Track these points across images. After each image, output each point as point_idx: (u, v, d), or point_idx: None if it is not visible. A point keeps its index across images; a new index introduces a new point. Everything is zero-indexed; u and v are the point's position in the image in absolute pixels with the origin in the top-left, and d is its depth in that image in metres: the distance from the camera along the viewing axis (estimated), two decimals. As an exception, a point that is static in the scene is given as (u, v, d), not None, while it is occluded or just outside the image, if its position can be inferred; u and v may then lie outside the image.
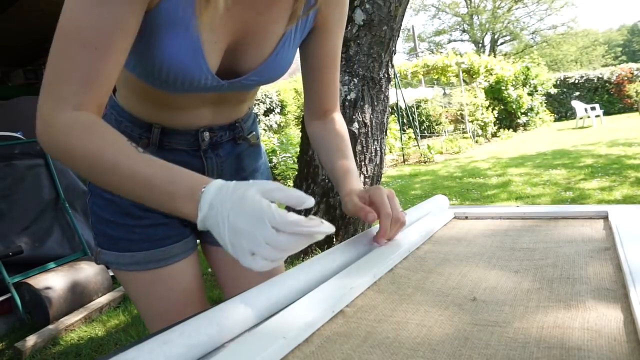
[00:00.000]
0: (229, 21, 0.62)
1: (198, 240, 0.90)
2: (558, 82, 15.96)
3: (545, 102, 14.18)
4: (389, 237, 0.69)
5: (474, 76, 11.24)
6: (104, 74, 0.54)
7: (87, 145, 0.52)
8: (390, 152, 8.34)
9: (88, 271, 2.51)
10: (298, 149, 2.14)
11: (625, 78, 15.19)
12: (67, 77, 0.53)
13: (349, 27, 2.19)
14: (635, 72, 15.16)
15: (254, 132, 0.90)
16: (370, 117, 1.94)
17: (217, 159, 0.83)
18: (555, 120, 15.48)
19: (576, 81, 16.10)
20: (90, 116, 0.54)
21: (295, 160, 2.16)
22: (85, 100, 0.53)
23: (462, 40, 32.37)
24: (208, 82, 0.65)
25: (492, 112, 10.89)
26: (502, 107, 11.57)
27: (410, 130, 9.23)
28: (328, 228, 0.50)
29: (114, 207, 0.77)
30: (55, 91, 0.53)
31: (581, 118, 11.55)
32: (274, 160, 6.39)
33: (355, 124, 1.93)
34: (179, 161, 0.76)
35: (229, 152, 0.85)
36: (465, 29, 31.18)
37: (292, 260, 2.41)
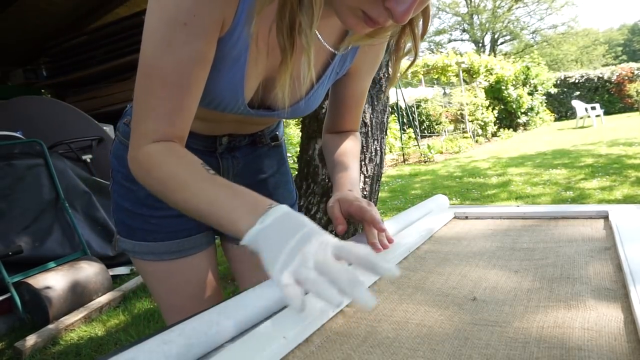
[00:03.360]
0: (273, 58, 0.62)
1: (217, 237, 0.90)
2: (558, 82, 15.94)
3: (545, 102, 14.17)
4: (388, 240, 0.69)
5: (474, 76, 11.23)
6: (186, 108, 0.57)
7: (163, 167, 0.56)
8: (390, 151, 8.33)
9: (88, 271, 2.51)
10: (298, 149, 2.13)
11: (626, 78, 15.18)
12: (151, 114, 0.56)
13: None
14: (636, 72, 15.14)
15: (277, 133, 0.90)
16: (370, 117, 1.94)
17: (234, 160, 0.82)
18: (556, 120, 15.47)
19: (576, 81, 16.09)
20: (168, 144, 0.57)
21: (295, 160, 2.16)
22: (168, 133, 0.57)
23: (462, 40, 32.36)
24: (239, 110, 0.66)
25: (492, 111, 10.88)
26: (502, 106, 11.57)
27: (411, 129, 9.23)
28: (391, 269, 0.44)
29: (132, 196, 0.77)
30: (140, 128, 0.57)
31: (581, 118, 11.54)
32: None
33: (356, 124, 1.93)
34: None
35: (247, 154, 0.85)
36: (466, 28, 31.16)
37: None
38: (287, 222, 0.48)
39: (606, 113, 13.26)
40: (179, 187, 0.55)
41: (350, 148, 0.84)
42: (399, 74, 0.70)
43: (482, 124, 10.63)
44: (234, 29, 0.55)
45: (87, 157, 3.39)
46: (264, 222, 0.48)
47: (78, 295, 2.39)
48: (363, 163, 1.96)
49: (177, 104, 0.56)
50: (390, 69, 2.16)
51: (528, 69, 12.65)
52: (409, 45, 0.64)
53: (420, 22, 0.61)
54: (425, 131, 11.33)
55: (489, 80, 11.40)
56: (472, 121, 10.52)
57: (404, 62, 0.68)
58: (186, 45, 0.52)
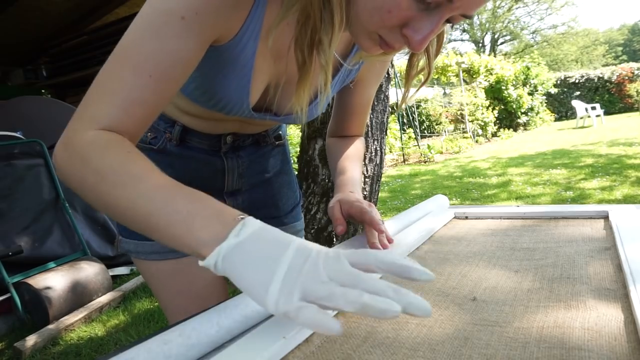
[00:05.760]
0: (279, 64, 0.62)
1: None
2: (558, 82, 15.96)
3: (545, 102, 14.18)
4: (388, 241, 0.68)
5: (474, 76, 11.24)
6: (150, 103, 0.49)
7: (106, 157, 0.45)
8: (391, 152, 8.33)
9: (88, 271, 2.51)
10: (298, 149, 2.13)
11: (626, 78, 15.19)
12: (109, 98, 0.48)
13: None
14: (636, 72, 15.15)
15: (280, 133, 0.90)
16: (370, 117, 1.94)
17: (239, 160, 0.82)
18: (556, 120, 15.48)
19: (576, 81, 16.09)
20: (117, 135, 0.48)
21: (295, 160, 2.16)
22: (120, 125, 0.48)
23: (462, 40, 32.37)
24: (244, 114, 0.65)
25: (492, 111, 10.88)
26: (502, 106, 11.57)
27: (411, 130, 9.22)
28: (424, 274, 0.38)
29: None
30: (90, 110, 0.48)
31: (581, 118, 11.54)
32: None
33: (356, 124, 1.93)
34: (198, 159, 0.77)
35: (251, 153, 0.85)
36: (466, 28, 31.15)
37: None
38: (269, 235, 0.40)
39: (606, 113, 13.27)
40: (123, 182, 0.44)
41: (354, 152, 0.84)
42: (410, 92, 0.68)
43: (482, 124, 10.63)
44: (241, 36, 0.55)
45: (87, 157, 3.39)
46: (240, 236, 0.39)
47: (78, 295, 2.39)
48: (363, 163, 1.96)
49: (142, 94, 0.48)
50: (390, 70, 2.16)
51: (528, 69, 12.65)
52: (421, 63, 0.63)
53: (435, 40, 0.60)
54: (425, 131, 11.32)
55: (489, 80, 11.40)
56: (472, 121, 10.52)
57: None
58: (175, 39, 0.48)
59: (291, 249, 0.38)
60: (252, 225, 0.41)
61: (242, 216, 0.42)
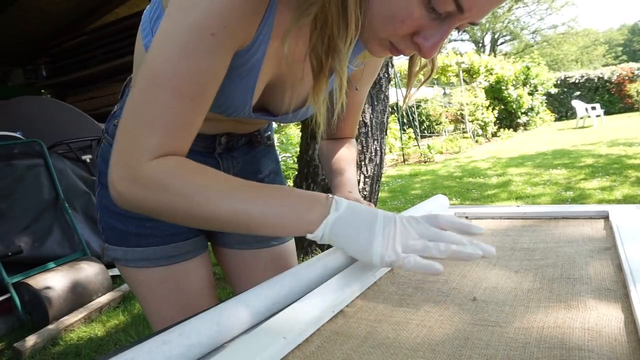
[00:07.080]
0: (282, 66, 0.63)
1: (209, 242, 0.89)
2: (558, 82, 15.96)
3: (545, 102, 14.19)
4: None
5: (474, 76, 11.24)
6: (195, 122, 0.52)
7: (189, 180, 0.50)
8: (390, 151, 8.34)
9: (88, 271, 2.51)
10: (298, 149, 2.13)
11: (626, 78, 15.19)
12: (156, 127, 0.49)
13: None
14: (636, 72, 15.16)
15: (270, 133, 0.91)
16: (370, 117, 1.94)
17: (233, 160, 0.82)
18: (556, 120, 15.49)
19: (577, 81, 16.10)
20: (179, 157, 0.52)
21: (295, 160, 2.16)
22: (174, 150, 0.51)
23: (462, 40, 32.39)
24: (244, 115, 0.65)
25: (492, 111, 10.89)
26: (503, 106, 11.58)
27: (411, 130, 9.23)
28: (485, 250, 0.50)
29: None
30: (142, 142, 0.50)
31: (582, 118, 11.55)
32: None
33: (356, 124, 1.94)
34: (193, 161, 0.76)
35: (245, 153, 0.85)
36: (466, 28, 31.15)
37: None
38: (358, 207, 0.51)
39: (606, 113, 13.27)
40: (215, 196, 0.50)
41: (347, 154, 0.85)
42: (413, 90, 0.69)
43: (482, 124, 10.63)
44: (254, 40, 0.54)
45: (87, 157, 3.39)
46: (339, 210, 0.50)
47: (78, 296, 2.39)
48: (363, 163, 1.96)
49: (188, 117, 0.51)
50: (390, 70, 2.16)
51: (528, 69, 12.65)
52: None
53: None
54: (425, 131, 11.33)
55: (489, 81, 11.41)
56: (472, 121, 10.53)
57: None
58: (208, 57, 0.49)
59: (380, 216, 0.50)
60: (343, 201, 0.52)
61: (331, 195, 0.53)
